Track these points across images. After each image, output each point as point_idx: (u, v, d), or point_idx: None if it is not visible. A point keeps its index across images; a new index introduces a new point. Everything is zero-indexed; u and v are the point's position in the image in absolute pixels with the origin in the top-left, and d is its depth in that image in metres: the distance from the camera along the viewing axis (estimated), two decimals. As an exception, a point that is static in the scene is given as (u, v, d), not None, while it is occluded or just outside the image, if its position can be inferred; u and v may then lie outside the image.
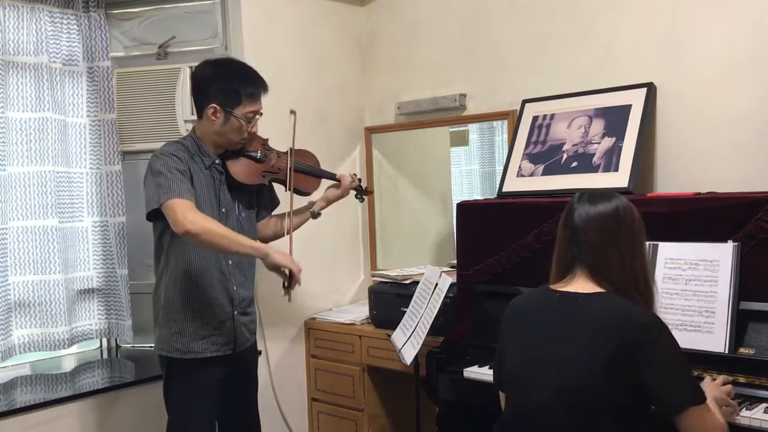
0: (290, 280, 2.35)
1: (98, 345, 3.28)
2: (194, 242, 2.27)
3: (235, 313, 2.43)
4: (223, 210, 2.42)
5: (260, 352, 2.98)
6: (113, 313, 3.11)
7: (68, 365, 3.12)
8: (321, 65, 3.46)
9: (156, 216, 2.31)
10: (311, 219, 2.71)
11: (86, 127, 3.07)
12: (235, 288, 2.43)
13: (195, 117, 3.11)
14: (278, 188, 2.66)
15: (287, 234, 2.55)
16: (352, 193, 2.80)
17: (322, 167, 2.75)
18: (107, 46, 3.07)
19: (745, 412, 1.84)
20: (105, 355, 3.25)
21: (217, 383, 2.41)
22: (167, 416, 2.42)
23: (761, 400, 1.90)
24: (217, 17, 3.17)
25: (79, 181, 3.06)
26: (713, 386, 1.84)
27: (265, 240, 2.66)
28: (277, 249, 2.45)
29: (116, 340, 3.27)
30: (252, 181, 2.50)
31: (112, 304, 3.11)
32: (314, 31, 3.44)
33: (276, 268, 2.34)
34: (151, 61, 3.19)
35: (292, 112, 2.57)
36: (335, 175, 2.75)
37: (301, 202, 2.70)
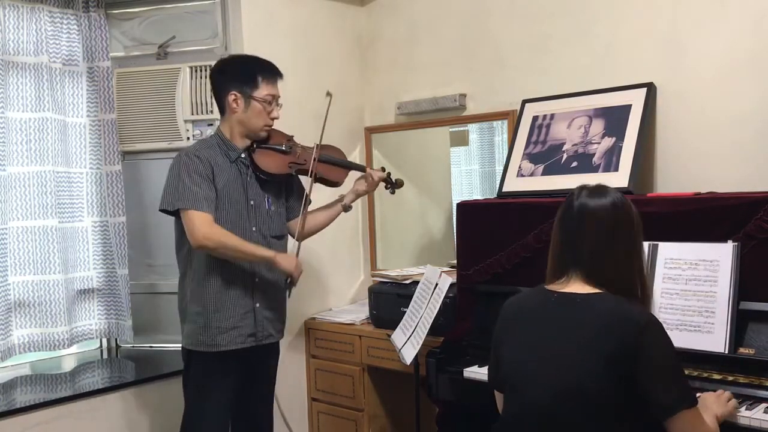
0: (292, 280, 2.50)
1: (98, 345, 3.28)
2: (208, 254, 2.37)
3: (257, 305, 2.48)
4: (252, 203, 2.48)
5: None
6: (113, 313, 3.11)
7: (68, 365, 3.12)
8: (321, 65, 3.46)
9: (171, 212, 2.39)
10: (343, 212, 2.76)
11: (86, 127, 3.07)
12: (257, 280, 2.48)
13: (195, 117, 3.16)
14: (307, 184, 2.68)
15: (298, 239, 2.58)
16: (382, 185, 2.84)
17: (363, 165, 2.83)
18: (107, 46, 3.07)
19: (745, 412, 1.84)
20: (105, 355, 3.25)
21: (235, 377, 2.47)
22: (184, 405, 2.48)
23: (761, 400, 1.90)
24: (217, 17, 3.17)
25: (79, 181, 3.06)
26: (719, 403, 1.82)
27: (301, 237, 2.64)
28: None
29: (116, 340, 3.27)
30: (279, 171, 2.54)
31: (112, 304, 3.11)
32: (314, 31, 3.44)
33: (283, 272, 2.48)
34: (151, 61, 3.19)
35: (329, 94, 2.63)
36: (363, 166, 2.81)
37: (331, 197, 2.73)
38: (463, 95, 3.28)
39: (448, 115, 3.37)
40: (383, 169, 2.83)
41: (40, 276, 2.90)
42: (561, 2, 2.94)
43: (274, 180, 2.56)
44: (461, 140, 3.66)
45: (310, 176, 2.59)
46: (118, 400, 2.83)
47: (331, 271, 3.53)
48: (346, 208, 2.75)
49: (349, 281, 3.65)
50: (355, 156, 3.65)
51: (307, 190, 2.64)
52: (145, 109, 3.19)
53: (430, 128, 3.48)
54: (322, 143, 2.68)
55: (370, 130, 3.67)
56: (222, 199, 2.40)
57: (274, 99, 2.49)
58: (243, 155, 2.49)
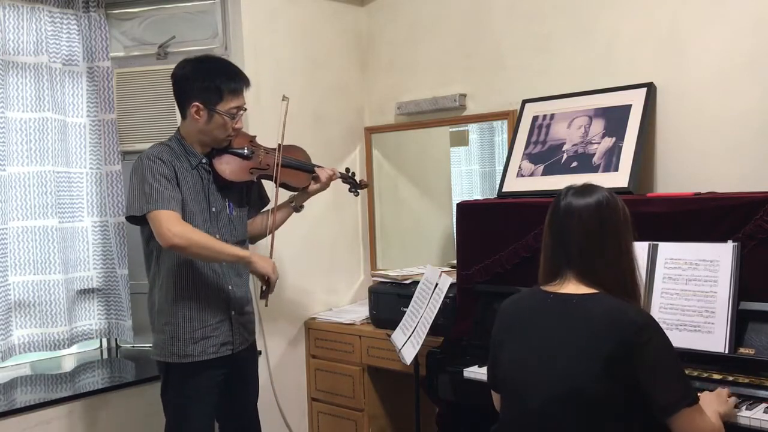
0: (268, 286, 2.42)
1: (98, 345, 3.28)
2: (180, 254, 2.28)
3: (233, 313, 2.42)
4: (213, 210, 2.41)
5: (260, 352, 2.98)
6: (113, 313, 3.11)
7: (68, 365, 3.12)
8: (321, 65, 3.46)
9: (137, 220, 2.30)
10: (294, 213, 2.68)
11: (86, 127, 3.07)
12: (230, 288, 2.41)
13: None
14: (268, 186, 2.63)
15: (269, 233, 2.53)
16: (346, 187, 2.79)
17: (321, 166, 2.72)
18: (107, 46, 3.07)
19: (745, 412, 1.84)
20: (105, 355, 3.26)
21: (216, 386, 2.40)
22: (165, 419, 2.42)
23: (761, 400, 1.90)
24: (217, 17, 3.17)
25: (79, 181, 3.06)
26: (720, 401, 1.82)
27: (253, 238, 2.65)
28: (261, 251, 2.48)
29: (116, 340, 3.28)
30: (240, 179, 2.46)
31: (112, 304, 3.11)
32: (314, 31, 3.44)
33: (258, 274, 2.41)
34: (151, 61, 3.20)
35: (285, 98, 2.49)
36: (323, 168, 2.70)
37: (283, 197, 2.67)
38: (463, 95, 3.28)
39: (448, 115, 3.37)
40: (347, 170, 2.76)
41: (40, 276, 2.90)
42: (561, 2, 2.94)
43: (236, 187, 2.49)
44: (461, 140, 3.66)
45: (274, 181, 2.52)
46: (118, 400, 2.83)
47: (331, 271, 3.53)
48: (297, 209, 2.67)
49: (349, 281, 3.65)
50: (355, 156, 3.65)
51: (270, 195, 2.58)
52: (145, 109, 3.19)
53: (430, 128, 3.48)
54: (286, 144, 2.60)
55: (370, 130, 3.67)
56: (185, 205, 2.31)
57: (238, 111, 2.38)
58: (204, 160, 2.40)
